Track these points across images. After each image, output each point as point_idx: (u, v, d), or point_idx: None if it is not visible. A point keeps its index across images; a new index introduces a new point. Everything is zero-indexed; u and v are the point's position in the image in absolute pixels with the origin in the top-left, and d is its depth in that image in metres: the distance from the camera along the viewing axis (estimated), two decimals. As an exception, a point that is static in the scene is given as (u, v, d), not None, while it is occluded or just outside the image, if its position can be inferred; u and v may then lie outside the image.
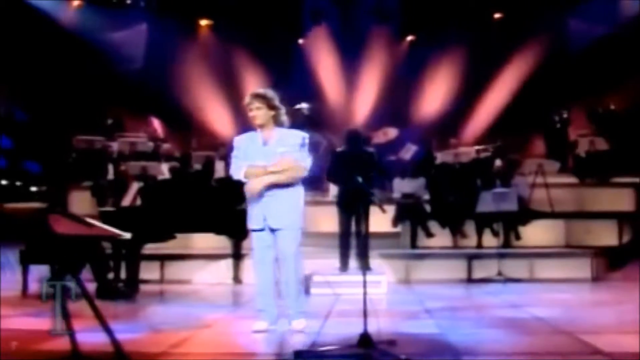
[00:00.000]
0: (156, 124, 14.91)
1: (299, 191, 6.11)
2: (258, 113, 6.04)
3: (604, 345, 5.24)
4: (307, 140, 6.15)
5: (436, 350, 5.40)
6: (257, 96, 6.10)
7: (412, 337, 5.87)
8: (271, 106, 6.07)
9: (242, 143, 6.19)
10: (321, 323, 6.54)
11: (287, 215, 6.04)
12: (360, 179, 5.79)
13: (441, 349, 5.45)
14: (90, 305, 4.92)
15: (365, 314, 5.32)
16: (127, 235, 5.01)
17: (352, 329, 5.74)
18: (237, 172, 6.12)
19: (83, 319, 4.98)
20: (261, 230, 6.06)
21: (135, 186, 9.29)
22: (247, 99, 6.13)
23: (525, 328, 6.26)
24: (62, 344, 5.62)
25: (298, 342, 5.64)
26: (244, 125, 15.35)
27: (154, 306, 8.17)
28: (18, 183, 11.72)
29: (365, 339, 5.26)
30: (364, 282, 5.54)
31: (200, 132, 15.00)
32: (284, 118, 6.14)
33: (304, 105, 6.25)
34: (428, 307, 7.54)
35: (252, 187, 6.00)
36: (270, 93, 6.17)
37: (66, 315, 4.83)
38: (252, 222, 6.10)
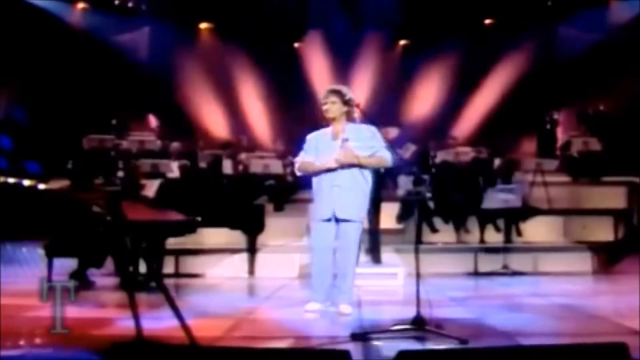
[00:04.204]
0: (154, 123, 15.10)
1: (366, 185, 6.42)
2: (332, 107, 6.36)
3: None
4: (378, 134, 6.46)
5: (483, 333, 5.58)
6: (333, 91, 6.43)
7: (453, 321, 5.98)
8: (345, 102, 6.37)
9: (312, 139, 6.55)
10: (357, 310, 6.79)
11: (354, 207, 6.39)
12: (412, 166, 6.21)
13: (487, 331, 5.68)
14: (162, 292, 5.14)
15: (418, 299, 5.60)
16: (198, 219, 5.23)
17: (386, 316, 6.09)
18: (297, 165, 6.61)
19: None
20: (328, 220, 6.37)
21: (156, 182, 9.49)
22: (323, 93, 6.45)
23: (557, 313, 6.58)
24: (117, 329, 5.88)
25: (344, 325, 5.90)
26: (239, 125, 15.68)
27: (184, 297, 8.34)
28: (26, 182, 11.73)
29: (418, 321, 5.56)
30: (417, 273, 5.78)
31: (201, 132, 15.17)
32: (357, 115, 6.47)
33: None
34: (452, 296, 7.83)
35: (343, 158, 6.27)
36: (345, 89, 6.49)
37: (134, 303, 5.02)
38: (321, 213, 6.41)
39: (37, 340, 5.24)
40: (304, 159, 6.56)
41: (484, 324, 6.04)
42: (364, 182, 6.39)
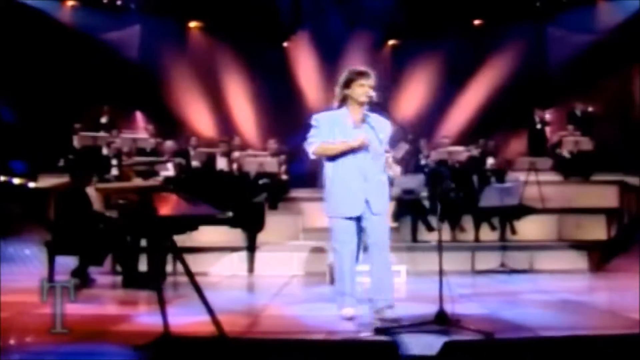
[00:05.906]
0: (141, 121, 15.06)
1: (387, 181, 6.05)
2: (372, 92, 5.82)
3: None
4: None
5: (504, 327, 5.61)
6: (372, 75, 5.87)
7: (469, 316, 5.97)
8: (372, 87, 5.87)
9: (326, 121, 5.93)
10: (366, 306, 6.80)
11: (385, 201, 6.00)
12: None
13: (507, 325, 5.72)
14: (194, 287, 5.13)
15: (440, 295, 5.65)
16: (230, 214, 5.20)
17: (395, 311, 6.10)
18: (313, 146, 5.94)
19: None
20: (357, 216, 5.89)
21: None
22: (365, 75, 5.86)
23: (568, 308, 6.66)
24: (136, 325, 5.87)
25: (360, 321, 5.90)
26: (229, 123, 15.61)
27: (187, 295, 8.30)
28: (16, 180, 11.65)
29: (441, 316, 5.61)
30: (440, 270, 5.84)
31: (191, 131, 15.07)
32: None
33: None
34: (459, 293, 7.84)
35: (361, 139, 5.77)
36: None
37: (162, 300, 5.03)
38: (352, 208, 5.88)
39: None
40: (321, 140, 5.90)
41: (501, 319, 6.07)
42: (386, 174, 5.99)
